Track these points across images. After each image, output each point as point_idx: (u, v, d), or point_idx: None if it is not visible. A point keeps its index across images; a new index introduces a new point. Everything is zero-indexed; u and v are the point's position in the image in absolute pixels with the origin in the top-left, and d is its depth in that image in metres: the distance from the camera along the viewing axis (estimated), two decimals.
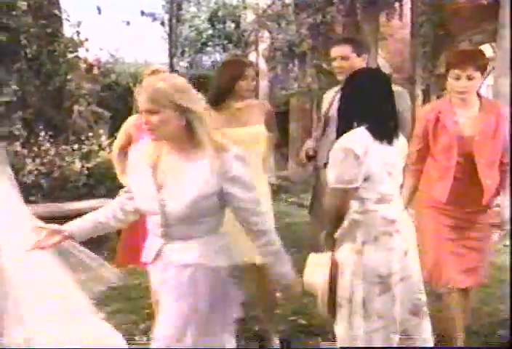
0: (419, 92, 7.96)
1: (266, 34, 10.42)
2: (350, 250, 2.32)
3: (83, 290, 4.20)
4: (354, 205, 2.32)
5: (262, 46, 10.65)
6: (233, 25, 12.73)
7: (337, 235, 2.38)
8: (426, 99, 8.04)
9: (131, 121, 3.33)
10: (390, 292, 2.31)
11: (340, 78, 3.05)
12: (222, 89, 3.04)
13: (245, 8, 11.22)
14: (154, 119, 1.92)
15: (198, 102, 1.97)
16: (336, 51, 3.06)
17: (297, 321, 3.52)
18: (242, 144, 3.01)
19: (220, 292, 2.01)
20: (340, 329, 2.37)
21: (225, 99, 3.04)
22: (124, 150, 3.22)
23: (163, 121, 1.92)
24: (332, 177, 2.29)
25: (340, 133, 2.34)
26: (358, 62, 3.00)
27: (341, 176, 2.26)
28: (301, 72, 9.21)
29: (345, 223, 2.34)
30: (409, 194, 2.95)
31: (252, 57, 10.87)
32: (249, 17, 11.14)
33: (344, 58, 3.00)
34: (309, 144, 3.19)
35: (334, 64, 3.07)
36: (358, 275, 2.30)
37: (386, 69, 8.33)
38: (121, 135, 3.37)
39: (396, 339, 2.35)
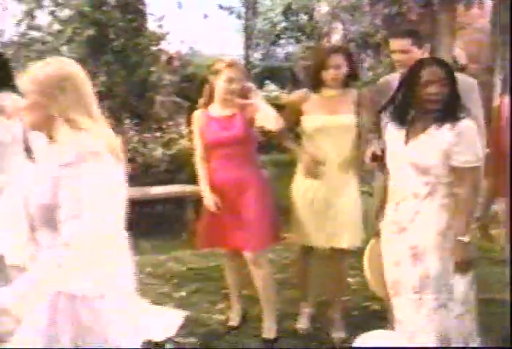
0: (498, 82, 7.59)
1: (339, 26, 10.24)
2: (435, 235, 2.29)
3: (162, 270, 4.37)
4: (442, 189, 2.29)
5: (336, 37, 10.49)
6: (306, 18, 12.62)
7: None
8: (504, 89, 7.66)
9: (196, 115, 3.18)
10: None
11: (401, 70, 2.91)
12: (310, 78, 3.06)
13: (319, 0, 11.06)
14: (23, 104, 1.74)
15: (71, 92, 1.70)
16: (395, 44, 2.90)
17: (370, 307, 3.49)
18: (332, 132, 3.00)
19: (84, 325, 1.63)
20: (408, 317, 2.33)
21: (318, 87, 3.01)
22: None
23: (28, 107, 1.73)
24: (474, 156, 2.26)
25: (450, 121, 2.28)
26: (419, 55, 2.84)
27: (480, 154, 2.30)
28: (375, 62, 9.00)
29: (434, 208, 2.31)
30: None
31: None
32: (323, 9, 10.99)
33: (404, 51, 2.86)
34: (375, 144, 2.93)
35: (394, 57, 2.93)
36: (441, 259, 2.27)
37: (463, 59, 7.99)
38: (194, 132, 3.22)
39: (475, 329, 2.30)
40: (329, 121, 2.97)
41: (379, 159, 2.78)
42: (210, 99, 3.10)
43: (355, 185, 3.06)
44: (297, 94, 3.13)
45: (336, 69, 2.93)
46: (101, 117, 1.80)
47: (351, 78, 3.04)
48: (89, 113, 1.74)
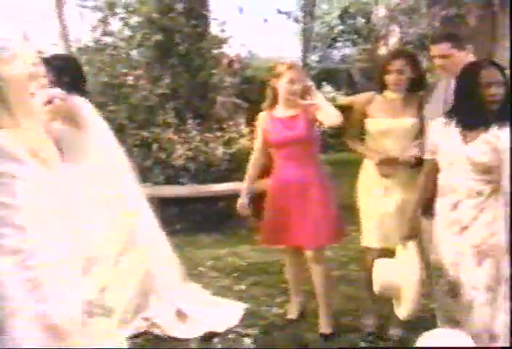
0: None
1: (396, 28, 10.06)
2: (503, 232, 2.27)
3: (223, 263, 4.42)
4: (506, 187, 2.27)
5: (393, 40, 10.31)
6: (363, 21, 12.49)
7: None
8: None
9: (261, 117, 3.19)
10: None
11: (444, 75, 2.85)
12: (376, 80, 3.02)
13: (376, 4, 10.91)
14: None
15: None
16: (435, 49, 2.80)
17: (427, 305, 3.40)
18: (394, 135, 2.92)
19: None
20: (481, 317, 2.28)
21: (382, 90, 2.98)
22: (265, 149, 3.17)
23: None
24: None
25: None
26: (462, 57, 2.73)
27: None
28: (431, 63, 8.79)
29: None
30: None
31: (382, 51, 10.58)
32: (380, 12, 10.84)
33: (444, 56, 2.76)
34: (418, 146, 2.85)
35: (436, 62, 2.82)
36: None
37: None
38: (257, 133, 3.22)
39: None
40: (392, 125, 2.92)
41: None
42: (274, 101, 3.13)
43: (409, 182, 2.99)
44: (363, 96, 3.09)
45: (398, 74, 2.88)
46: (31, 118, 1.74)
47: (416, 82, 2.95)
48: (11, 114, 1.69)
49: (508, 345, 2.20)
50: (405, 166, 2.90)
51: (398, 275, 2.49)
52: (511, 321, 2.32)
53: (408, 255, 2.51)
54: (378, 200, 2.97)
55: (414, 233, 2.56)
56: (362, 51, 11.29)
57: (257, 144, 3.22)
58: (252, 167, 3.24)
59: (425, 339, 2.01)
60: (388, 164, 2.91)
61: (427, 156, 2.52)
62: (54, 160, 1.81)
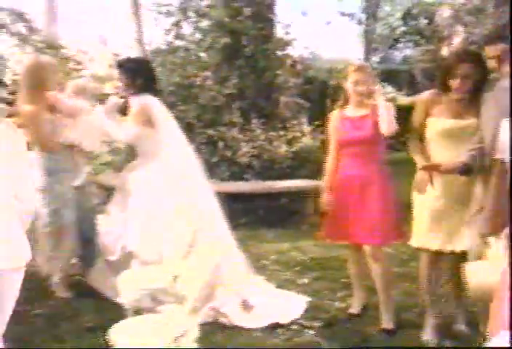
0: None
1: (460, 28, 9.71)
2: None
3: (286, 258, 4.44)
4: None
5: (456, 40, 9.96)
6: (425, 21, 12.15)
7: None
8: None
9: (333, 115, 3.22)
10: None
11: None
12: (439, 82, 2.89)
13: (440, 4, 10.57)
14: None
15: None
16: (490, 51, 2.64)
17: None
18: (454, 136, 2.81)
19: None
20: None
21: (445, 92, 2.86)
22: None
23: None
24: None
25: None
26: None
27: None
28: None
29: None
30: None
31: (445, 51, 10.26)
32: (445, 12, 10.51)
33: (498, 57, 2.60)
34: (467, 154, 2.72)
35: (492, 64, 2.65)
36: None
37: None
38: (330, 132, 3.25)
39: None
40: (452, 125, 2.81)
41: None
42: (345, 101, 3.15)
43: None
44: (427, 95, 2.98)
45: (463, 79, 2.74)
46: None
47: (480, 84, 2.79)
48: None
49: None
50: (453, 173, 2.76)
51: (489, 277, 2.37)
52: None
53: (496, 255, 2.42)
54: (427, 201, 2.87)
55: (495, 231, 2.45)
56: (425, 52, 10.98)
57: (332, 143, 3.22)
58: (329, 167, 3.20)
59: (497, 339, 1.92)
60: (432, 170, 2.81)
61: (497, 156, 2.42)
62: None
